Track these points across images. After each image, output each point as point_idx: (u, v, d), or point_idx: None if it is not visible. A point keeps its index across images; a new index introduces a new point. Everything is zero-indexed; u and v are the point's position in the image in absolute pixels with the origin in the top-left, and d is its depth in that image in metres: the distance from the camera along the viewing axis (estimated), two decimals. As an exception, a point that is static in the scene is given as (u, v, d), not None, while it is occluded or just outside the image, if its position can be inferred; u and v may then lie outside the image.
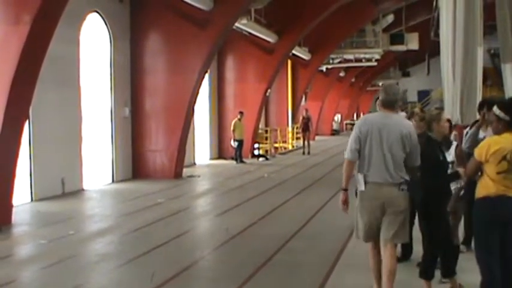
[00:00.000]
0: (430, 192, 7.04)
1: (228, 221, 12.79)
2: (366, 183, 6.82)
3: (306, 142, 31.65)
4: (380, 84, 63.00)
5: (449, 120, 8.09)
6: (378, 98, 7.10)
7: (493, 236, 6.07)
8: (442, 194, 7.18)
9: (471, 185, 7.01)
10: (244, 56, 29.01)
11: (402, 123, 6.94)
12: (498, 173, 6.01)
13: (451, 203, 7.33)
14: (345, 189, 7.00)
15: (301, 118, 33.42)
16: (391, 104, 6.92)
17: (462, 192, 7.46)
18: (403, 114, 7.50)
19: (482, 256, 6.18)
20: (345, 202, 7.00)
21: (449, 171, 7.47)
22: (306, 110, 33.32)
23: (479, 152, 6.14)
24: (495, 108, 6.16)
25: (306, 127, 31.83)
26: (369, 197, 6.84)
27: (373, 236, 6.97)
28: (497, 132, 6.18)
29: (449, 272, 7.42)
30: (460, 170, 7.27)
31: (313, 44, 35.55)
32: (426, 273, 7.18)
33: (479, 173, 6.21)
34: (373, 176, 6.80)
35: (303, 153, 31.36)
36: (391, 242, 6.86)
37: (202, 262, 9.71)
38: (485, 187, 6.10)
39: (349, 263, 9.20)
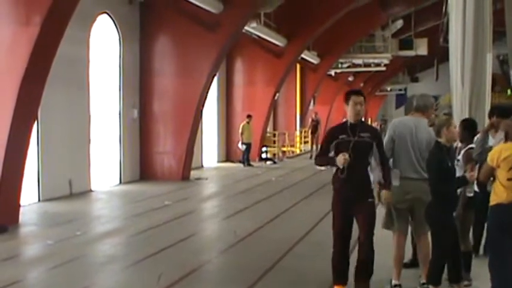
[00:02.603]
0: (438, 198, 7.05)
1: (236, 224, 12.79)
2: (400, 178, 7.53)
3: (314, 145, 31.83)
4: (389, 89, 63.06)
5: (473, 122, 8.63)
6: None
7: (505, 244, 6.04)
8: (450, 199, 7.17)
9: (481, 192, 7.03)
10: (253, 60, 29.01)
11: (429, 128, 7.67)
12: (509, 179, 6.00)
13: (458, 209, 7.40)
14: None
15: (310, 120, 33.57)
16: (421, 110, 7.82)
17: (468, 194, 7.57)
18: (426, 120, 7.80)
19: (494, 263, 6.16)
20: None
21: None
22: (316, 113, 33.47)
23: (491, 157, 6.16)
24: None
25: (314, 130, 32.13)
26: (402, 191, 7.54)
27: (403, 226, 7.73)
28: None
29: (456, 278, 7.40)
30: (467, 175, 7.25)
31: (322, 48, 35.50)
32: (434, 279, 7.16)
33: (492, 179, 6.20)
34: (408, 171, 7.58)
35: (311, 157, 31.36)
36: (425, 233, 7.59)
37: (209, 265, 9.70)
38: (498, 194, 6.10)
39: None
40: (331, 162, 7.35)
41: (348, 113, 7.34)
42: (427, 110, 7.87)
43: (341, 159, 7.11)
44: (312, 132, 32.68)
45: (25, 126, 12.47)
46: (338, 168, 7.27)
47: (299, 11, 28.22)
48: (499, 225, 6.09)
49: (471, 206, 7.78)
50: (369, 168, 7.32)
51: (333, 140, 7.34)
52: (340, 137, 7.28)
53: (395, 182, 7.55)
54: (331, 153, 7.32)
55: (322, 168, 7.66)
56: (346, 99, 7.31)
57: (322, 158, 7.57)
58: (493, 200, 6.17)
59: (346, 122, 7.39)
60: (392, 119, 8.57)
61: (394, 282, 7.71)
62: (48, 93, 13.47)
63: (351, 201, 7.28)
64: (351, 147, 7.14)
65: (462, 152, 8.13)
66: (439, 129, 7.16)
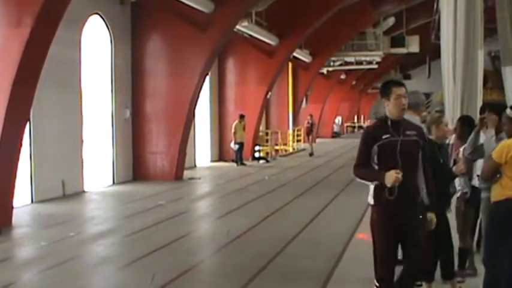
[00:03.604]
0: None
1: (229, 224, 12.79)
2: None
3: (310, 145, 32.78)
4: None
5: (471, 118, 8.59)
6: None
7: (504, 240, 6.03)
8: (442, 196, 7.18)
9: (477, 189, 7.02)
10: (245, 59, 29.00)
11: (420, 125, 7.59)
12: None
13: (458, 206, 7.43)
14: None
15: (305, 123, 33.91)
16: (412, 107, 7.52)
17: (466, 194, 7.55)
18: (418, 117, 7.82)
19: (489, 259, 6.15)
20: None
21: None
22: (311, 116, 33.77)
23: (498, 154, 6.12)
24: (508, 110, 6.20)
25: (309, 131, 33.25)
26: None
27: None
28: (510, 134, 6.21)
29: (449, 275, 7.41)
30: (455, 168, 7.22)
31: (314, 46, 35.55)
32: (427, 276, 7.18)
33: (498, 175, 6.19)
34: None
35: (310, 154, 31.69)
36: None
37: (202, 265, 9.70)
38: (506, 189, 6.07)
39: (349, 268, 9.19)
40: (379, 178, 5.73)
41: (388, 108, 5.87)
42: (418, 107, 7.87)
43: (392, 176, 5.59)
44: (307, 134, 33.66)
45: (17, 127, 12.45)
46: (382, 185, 5.72)
47: (291, 10, 28.24)
48: (504, 221, 6.05)
49: (472, 204, 7.75)
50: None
51: (374, 143, 5.80)
52: (384, 137, 5.79)
53: None
54: (374, 159, 5.81)
55: (367, 183, 5.98)
56: (385, 93, 5.88)
57: (365, 170, 5.89)
58: (499, 195, 6.13)
59: (386, 118, 5.90)
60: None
61: None
62: (40, 95, 13.46)
63: (398, 219, 5.76)
64: (398, 150, 5.73)
65: (461, 149, 8.12)
66: (429, 127, 7.20)
